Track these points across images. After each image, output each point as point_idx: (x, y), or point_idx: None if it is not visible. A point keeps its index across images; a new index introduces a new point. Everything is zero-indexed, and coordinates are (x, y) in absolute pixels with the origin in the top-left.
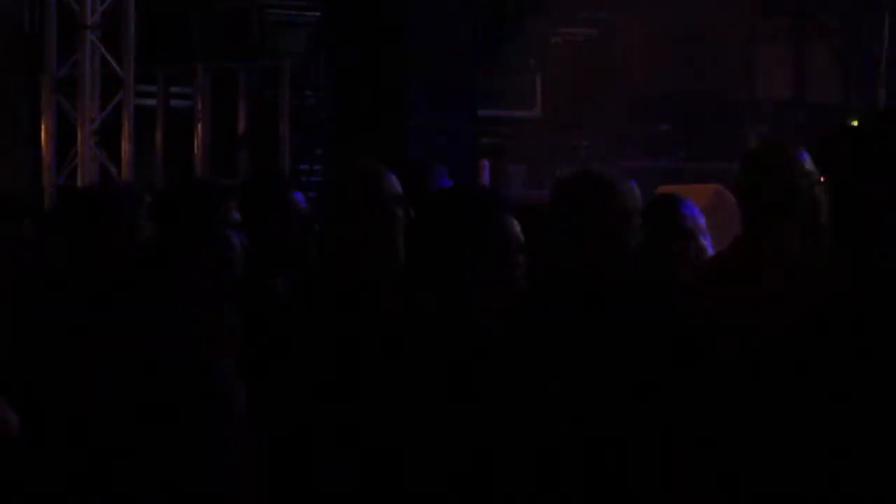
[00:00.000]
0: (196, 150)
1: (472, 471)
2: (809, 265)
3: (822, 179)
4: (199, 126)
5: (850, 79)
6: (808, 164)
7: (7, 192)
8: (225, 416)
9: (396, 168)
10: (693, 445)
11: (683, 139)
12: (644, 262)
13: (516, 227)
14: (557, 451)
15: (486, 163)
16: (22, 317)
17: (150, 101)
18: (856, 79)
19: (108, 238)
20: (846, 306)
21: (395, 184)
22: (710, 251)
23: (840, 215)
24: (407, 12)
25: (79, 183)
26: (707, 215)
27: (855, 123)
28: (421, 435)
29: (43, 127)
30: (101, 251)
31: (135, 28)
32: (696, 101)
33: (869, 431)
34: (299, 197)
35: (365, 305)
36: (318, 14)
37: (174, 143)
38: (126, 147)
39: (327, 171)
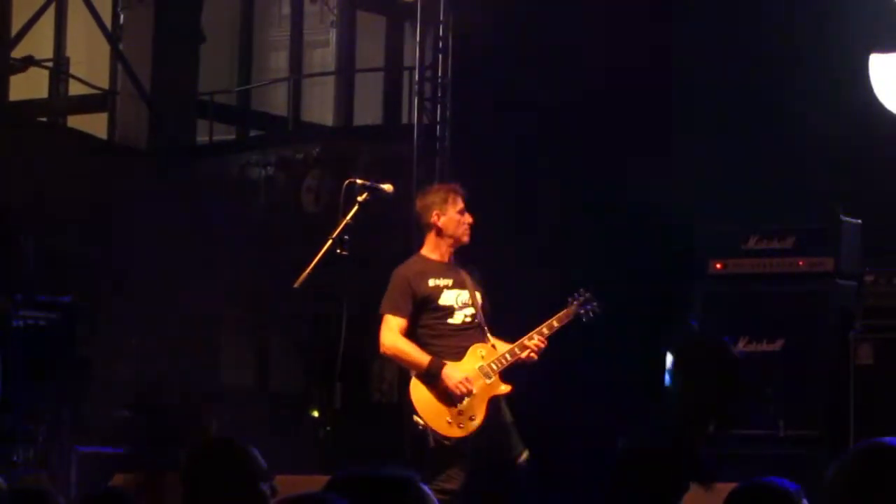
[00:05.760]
0: None
1: None
2: None
3: None
4: None
5: (311, 369)
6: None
7: None
8: None
9: None
10: None
11: (144, 425)
12: None
13: None
14: None
15: None
16: None
17: None
18: (317, 370)
19: None
20: None
21: None
22: None
23: None
24: None
25: None
26: None
27: (315, 414)
28: None
29: None
30: None
31: None
32: (156, 388)
33: None
34: None
35: None
36: None
37: None
38: None
39: None
